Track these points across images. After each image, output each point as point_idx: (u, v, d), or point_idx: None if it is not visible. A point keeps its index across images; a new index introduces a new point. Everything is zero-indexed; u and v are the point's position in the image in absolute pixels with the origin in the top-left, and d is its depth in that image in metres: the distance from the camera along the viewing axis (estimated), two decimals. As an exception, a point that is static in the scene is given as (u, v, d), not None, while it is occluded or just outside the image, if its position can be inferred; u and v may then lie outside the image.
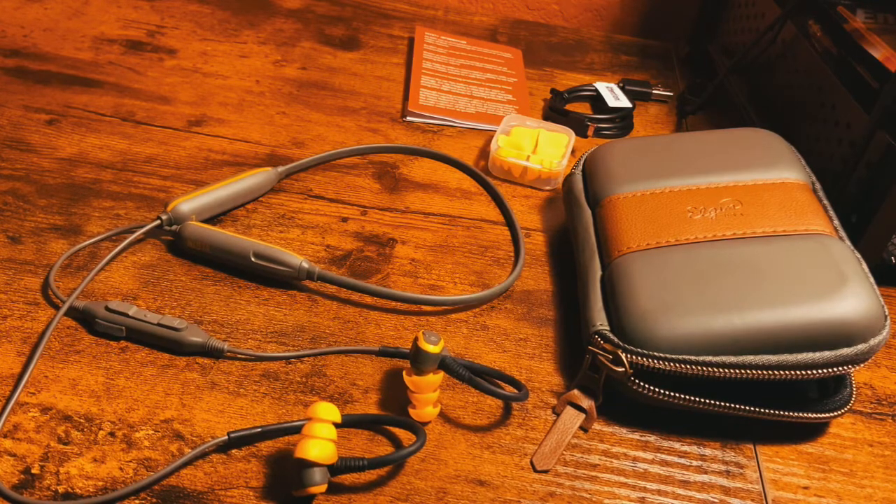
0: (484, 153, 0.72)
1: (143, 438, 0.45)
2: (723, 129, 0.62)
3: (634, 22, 1.00)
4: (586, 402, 0.49)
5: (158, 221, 0.56)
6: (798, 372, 0.47)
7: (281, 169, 0.63)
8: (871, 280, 0.49)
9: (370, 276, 0.57)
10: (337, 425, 0.45)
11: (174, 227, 0.56)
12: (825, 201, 0.56)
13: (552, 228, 0.64)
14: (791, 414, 0.48)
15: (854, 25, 0.64)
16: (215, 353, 0.50)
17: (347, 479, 0.44)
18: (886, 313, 0.48)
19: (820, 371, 0.47)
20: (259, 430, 0.45)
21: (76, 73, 0.74)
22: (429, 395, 0.47)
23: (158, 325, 0.49)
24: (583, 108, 0.80)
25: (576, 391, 0.50)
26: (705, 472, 0.47)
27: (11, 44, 0.77)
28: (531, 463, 0.46)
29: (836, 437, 0.50)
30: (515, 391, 0.48)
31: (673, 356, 0.47)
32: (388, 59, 0.83)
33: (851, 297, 0.47)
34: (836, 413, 0.48)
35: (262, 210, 0.62)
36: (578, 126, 0.75)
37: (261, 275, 0.55)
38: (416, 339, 0.46)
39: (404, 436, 0.47)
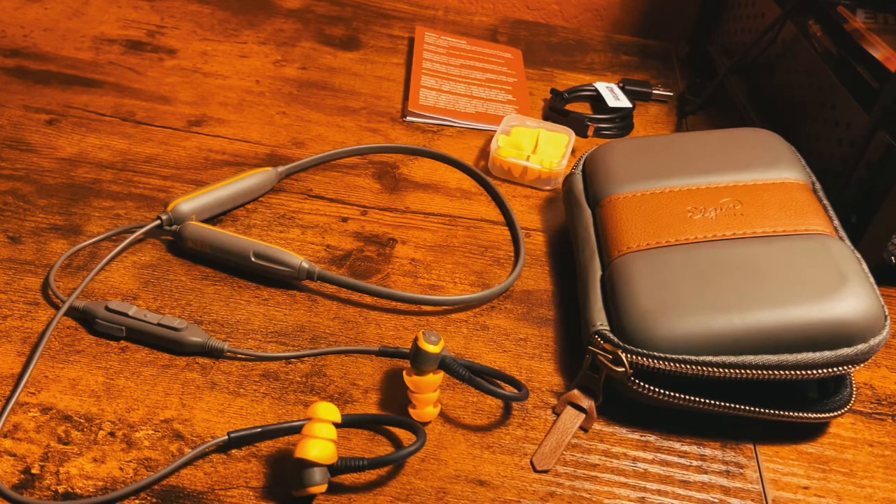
0: (484, 153, 0.72)
1: (143, 438, 0.45)
2: (723, 129, 0.62)
3: (634, 22, 1.00)
4: (586, 402, 0.49)
5: (158, 221, 0.56)
6: (798, 372, 0.47)
7: (281, 169, 0.63)
8: (871, 280, 0.49)
9: (370, 276, 0.57)
10: (337, 425, 0.45)
11: (174, 227, 0.56)
12: (825, 201, 0.56)
13: (552, 228, 0.64)
14: (791, 414, 0.48)
15: (854, 25, 0.64)
16: (215, 353, 0.50)
17: (347, 479, 0.44)
18: (886, 313, 0.48)
19: (820, 371, 0.47)
20: (259, 430, 0.45)
21: (76, 73, 0.74)
22: (429, 395, 0.47)
23: (158, 325, 0.49)
24: (583, 108, 0.80)
25: (576, 391, 0.50)
26: (705, 472, 0.47)
27: (11, 44, 0.77)
28: (531, 463, 0.46)
29: (836, 437, 0.50)
30: (515, 391, 0.48)
31: (673, 356, 0.47)
32: (388, 59, 0.83)
33: (851, 298, 0.47)
34: (836, 413, 0.48)
35: (262, 210, 0.62)
36: (578, 126, 0.75)
37: (261, 275, 0.55)
38: (416, 339, 0.46)
39: (404, 436, 0.47)
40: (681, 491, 0.46)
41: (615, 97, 0.79)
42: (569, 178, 0.62)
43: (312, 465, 0.41)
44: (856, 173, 0.59)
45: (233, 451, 0.45)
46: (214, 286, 0.55)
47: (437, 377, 0.47)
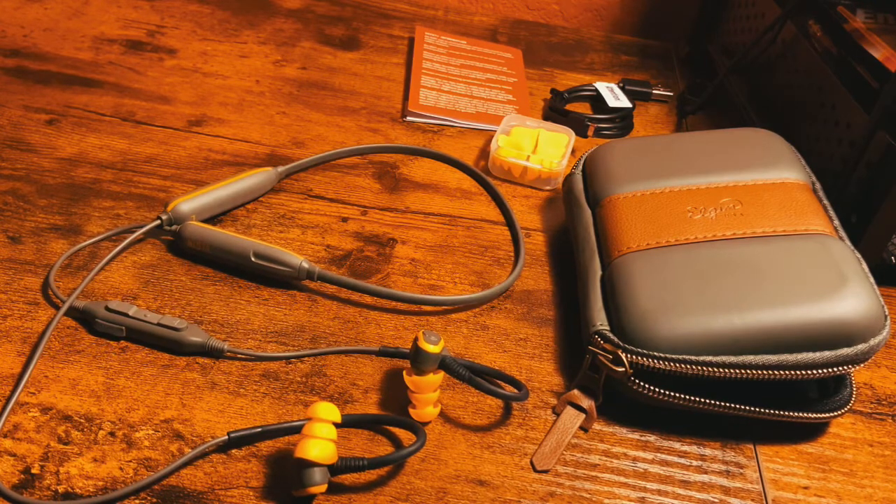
0: (484, 153, 0.72)
1: (143, 438, 0.45)
2: (723, 129, 0.62)
3: (634, 22, 1.00)
4: (586, 402, 0.49)
5: (158, 221, 0.56)
6: (798, 372, 0.47)
7: (281, 169, 0.63)
8: (871, 280, 0.49)
9: (370, 276, 0.57)
10: (337, 425, 0.45)
11: (174, 227, 0.56)
12: (825, 201, 0.56)
13: (552, 228, 0.64)
14: (791, 414, 0.48)
15: (854, 25, 0.64)
16: (215, 353, 0.50)
17: (347, 478, 0.44)
18: (886, 313, 0.48)
19: (820, 371, 0.47)
20: (259, 429, 0.45)
21: (76, 73, 0.74)
22: (429, 395, 0.47)
23: (158, 324, 0.49)
24: (583, 108, 0.80)
25: (576, 391, 0.50)
26: (705, 472, 0.47)
27: (11, 44, 0.77)
28: (531, 463, 0.46)
29: (836, 437, 0.50)
30: (515, 391, 0.48)
31: (673, 356, 0.47)
32: (389, 59, 0.83)
33: (851, 298, 0.47)
34: (836, 413, 0.48)
35: (263, 210, 0.62)
36: (578, 126, 0.75)
37: (261, 275, 0.55)
38: (416, 339, 0.46)
39: (404, 436, 0.47)
40: (681, 491, 0.46)
41: (615, 97, 0.79)
42: (569, 178, 0.62)
43: (312, 465, 0.41)
44: (856, 173, 0.59)
45: (233, 451, 0.45)
46: (214, 286, 0.55)
47: (437, 377, 0.47)
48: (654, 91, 0.82)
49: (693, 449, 0.48)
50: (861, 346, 0.47)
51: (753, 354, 0.47)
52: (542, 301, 0.57)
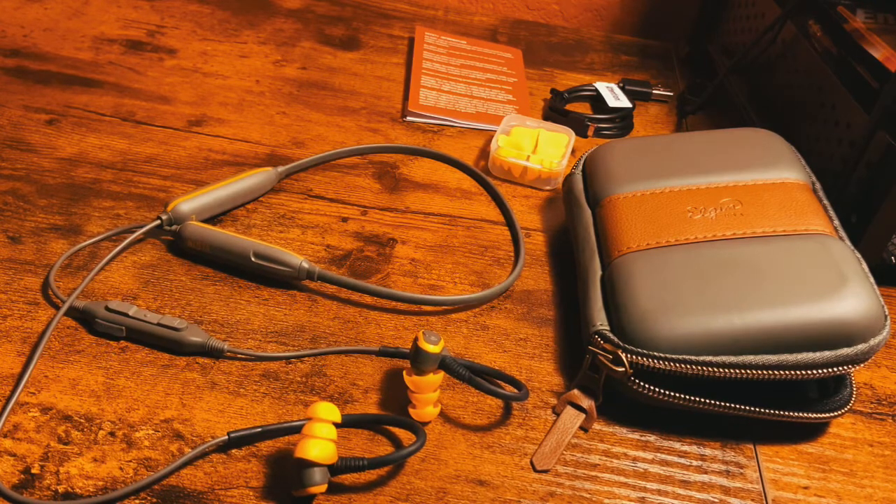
0: (484, 153, 0.72)
1: (143, 438, 0.45)
2: (723, 129, 0.62)
3: (634, 22, 1.00)
4: (586, 402, 0.49)
5: (158, 221, 0.56)
6: (798, 372, 0.47)
7: (281, 169, 0.63)
8: (871, 280, 0.49)
9: (370, 276, 0.57)
10: (337, 425, 0.45)
11: (174, 227, 0.56)
12: (825, 201, 0.56)
13: (552, 228, 0.64)
14: (791, 414, 0.48)
15: (854, 25, 0.64)
16: (215, 353, 0.50)
17: (347, 478, 0.44)
18: (886, 313, 0.48)
19: (820, 371, 0.47)
20: (259, 429, 0.45)
21: (76, 73, 0.74)
22: (429, 394, 0.47)
23: (158, 324, 0.49)
24: (583, 108, 0.80)
25: (576, 391, 0.50)
26: (705, 472, 0.47)
27: (11, 44, 0.77)
28: (531, 463, 0.46)
29: (836, 437, 0.50)
30: (515, 391, 0.48)
31: (673, 356, 0.47)
32: (389, 59, 0.83)
33: (851, 298, 0.47)
34: (836, 413, 0.48)
35: (262, 210, 0.62)
36: (578, 126, 0.75)
37: (261, 275, 0.55)
38: (416, 339, 0.46)
39: (404, 436, 0.47)
40: (681, 491, 0.46)
41: (615, 97, 0.79)
42: (569, 178, 0.62)
43: (312, 464, 0.41)
44: (856, 173, 0.59)
45: (233, 450, 0.45)
46: (214, 286, 0.55)
47: (437, 377, 0.47)
48: (654, 91, 0.82)
49: (693, 449, 0.48)
50: (861, 346, 0.47)
51: (753, 354, 0.47)
52: (542, 301, 0.57)
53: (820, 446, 0.50)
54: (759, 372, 0.47)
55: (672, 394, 0.47)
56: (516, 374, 0.51)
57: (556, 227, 0.64)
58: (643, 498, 0.45)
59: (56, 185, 0.61)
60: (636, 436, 0.49)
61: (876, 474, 0.48)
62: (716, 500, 0.46)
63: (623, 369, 0.47)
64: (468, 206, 0.65)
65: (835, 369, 0.47)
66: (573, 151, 0.74)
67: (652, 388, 0.47)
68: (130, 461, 0.43)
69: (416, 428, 0.44)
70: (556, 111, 0.77)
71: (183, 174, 0.64)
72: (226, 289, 0.55)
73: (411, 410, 0.47)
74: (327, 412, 0.42)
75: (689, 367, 0.46)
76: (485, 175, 0.68)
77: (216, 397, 0.47)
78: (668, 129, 0.79)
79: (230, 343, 0.51)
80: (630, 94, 0.81)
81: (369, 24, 0.89)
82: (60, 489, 0.42)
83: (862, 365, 0.47)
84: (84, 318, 0.51)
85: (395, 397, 0.49)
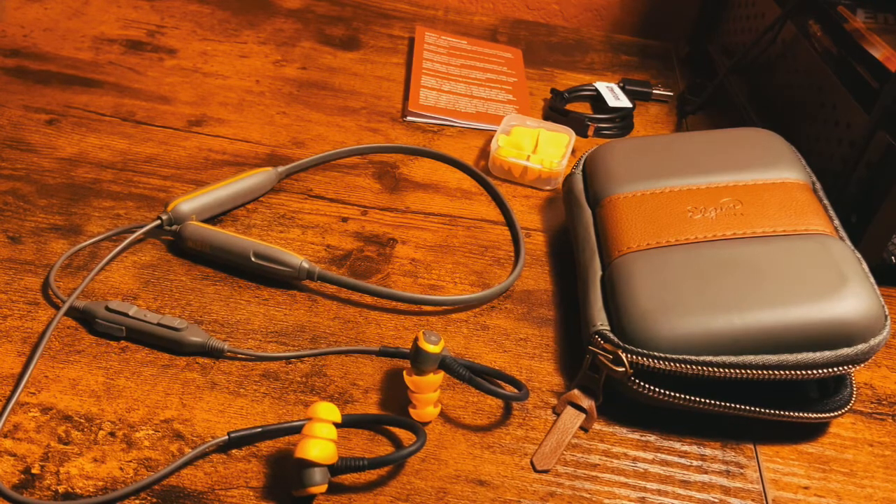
0: (484, 153, 0.72)
1: (143, 438, 0.45)
2: (723, 128, 0.62)
3: (634, 22, 1.00)
4: (586, 402, 0.49)
5: (158, 221, 0.56)
6: (798, 372, 0.47)
7: (281, 169, 0.63)
8: (872, 280, 0.49)
9: (370, 276, 0.57)
10: (337, 425, 0.45)
11: (174, 227, 0.56)
12: (825, 201, 0.56)
13: (552, 228, 0.64)
14: (791, 414, 0.48)
15: (854, 25, 0.64)
16: (215, 353, 0.50)
17: (347, 479, 0.44)
18: (886, 313, 0.48)
19: (820, 371, 0.47)
20: (259, 429, 0.45)
21: (76, 73, 0.74)
22: (429, 395, 0.47)
23: (158, 325, 0.49)
24: (583, 108, 0.80)
25: (576, 391, 0.50)
26: (705, 472, 0.47)
27: (11, 44, 0.77)
28: (531, 463, 0.46)
29: (836, 437, 0.50)
30: (516, 391, 0.48)
31: (673, 356, 0.47)
32: (389, 59, 0.83)
33: (851, 297, 0.47)
34: (836, 413, 0.48)
35: (263, 210, 0.62)
36: (578, 126, 0.75)
37: (261, 275, 0.55)
38: (416, 339, 0.46)
39: (404, 436, 0.47)
40: (681, 491, 0.46)
41: (615, 97, 0.79)
42: (569, 178, 0.62)
43: (312, 465, 0.41)
44: (856, 173, 0.59)
45: (233, 451, 0.45)
46: (214, 286, 0.55)
47: (437, 377, 0.47)
48: (655, 91, 0.82)
49: (693, 449, 0.48)
50: (861, 346, 0.47)
51: (753, 354, 0.47)
52: (543, 301, 0.57)
53: (820, 446, 0.50)
54: (760, 372, 0.47)
55: (672, 394, 0.47)
56: (516, 374, 0.51)
57: (557, 227, 0.64)
58: (643, 498, 0.45)
59: (56, 185, 0.61)
60: (636, 436, 0.49)
61: (876, 474, 0.48)
62: (716, 500, 0.46)
63: (623, 369, 0.47)
64: (468, 206, 0.65)
65: (835, 369, 0.47)
66: (573, 151, 0.74)
67: (652, 388, 0.47)
68: (130, 461, 0.43)
69: (417, 428, 0.44)
70: (556, 111, 0.77)
71: (183, 174, 0.64)
72: (226, 289, 0.55)
73: (411, 410, 0.47)
74: (327, 412, 0.42)
75: (689, 367, 0.46)
76: (485, 175, 0.68)
77: (216, 397, 0.47)
78: (669, 128, 0.79)
79: (230, 343, 0.51)
80: (630, 94, 0.81)
81: (369, 24, 0.89)
82: (60, 489, 0.42)
83: (862, 365, 0.47)
84: (84, 318, 0.51)
85: (396, 397, 0.49)
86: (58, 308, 0.51)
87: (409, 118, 0.74)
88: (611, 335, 0.48)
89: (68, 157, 0.64)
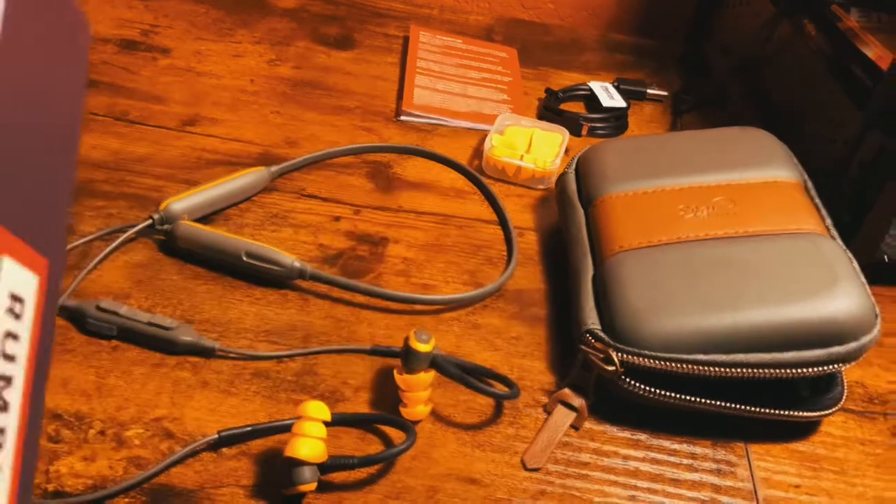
0: (478, 152, 0.72)
1: (133, 437, 0.45)
2: (716, 128, 0.62)
3: (630, 21, 1.00)
4: (577, 401, 0.49)
5: (150, 221, 0.56)
6: (789, 370, 0.47)
7: (274, 168, 0.63)
8: (863, 279, 0.49)
9: (362, 276, 0.57)
10: (327, 424, 0.45)
11: (166, 227, 0.56)
12: (817, 200, 0.56)
13: (545, 228, 0.64)
14: (782, 412, 0.48)
15: (848, 24, 0.64)
16: (206, 352, 0.50)
17: (338, 477, 0.44)
18: (877, 312, 0.48)
19: (811, 369, 0.47)
20: (249, 428, 0.45)
21: (70, 72, 0.74)
22: (420, 393, 0.47)
23: (149, 324, 0.49)
24: (577, 108, 0.80)
25: (567, 390, 0.50)
26: (696, 471, 0.47)
27: (5, 43, 0.77)
28: (522, 461, 0.46)
29: (827, 435, 0.50)
30: (507, 389, 0.48)
31: (664, 355, 0.47)
32: (383, 59, 0.83)
33: (843, 296, 0.47)
34: (827, 411, 0.48)
35: (255, 209, 0.61)
36: (573, 125, 0.75)
37: (253, 274, 0.55)
38: (407, 338, 0.46)
39: (395, 434, 0.47)
40: (671, 489, 0.46)
41: (610, 96, 0.79)
42: (562, 178, 0.62)
43: (302, 463, 0.41)
44: (849, 173, 0.59)
45: (223, 449, 0.45)
46: (206, 285, 0.55)
47: (427, 376, 0.47)
48: (649, 90, 0.82)
49: (684, 447, 0.48)
50: (852, 345, 0.47)
51: (745, 353, 0.47)
52: (535, 300, 0.57)
53: (811, 444, 0.50)
54: (751, 370, 0.47)
55: (663, 392, 0.47)
56: (508, 373, 0.51)
57: (549, 227, 0.64)
58: (634, 496, 0.45)
59: (49, 185, 0.61)
60: (627, 434, 0.49)
61: (867, 472, 0.48)
62: (707, 499, 0.46)
63: (614, 368, 0.47)
64: (461, 206, 0.65)
65: (826, 368, 0.47)
66: (567, 151, 0.73)
67: (643, 386, 0.47)
68: (120, 460, 0.43)
69: (407, 426, 0.44)
70: (550, 110, 0.77)
71: (176, 174, 0.64)
72: (217, 288, 0.54)
73: (402, 409, 0.47)
74: (317, 411, 0.42)
75: (680, 365, 0.46)
76: (478, 174, 0.68)
77: (207, 396, 0.47)
78: (663, 128, 0.79)
79: (222, 342, 0.51)
80: (625, 94, 0.81)
81: (364, 24, 0.88)
82: (50, 488, 0.42)
83: (853, 363, 0.47)
84: (75, 317, 0.51)
85: (387, 396, 0.49)
86: (49, 307, 0.51)
87: (402, 118, 0.74)
88: (602, 334, 0.48)
89: (61, 156, 0.64)
